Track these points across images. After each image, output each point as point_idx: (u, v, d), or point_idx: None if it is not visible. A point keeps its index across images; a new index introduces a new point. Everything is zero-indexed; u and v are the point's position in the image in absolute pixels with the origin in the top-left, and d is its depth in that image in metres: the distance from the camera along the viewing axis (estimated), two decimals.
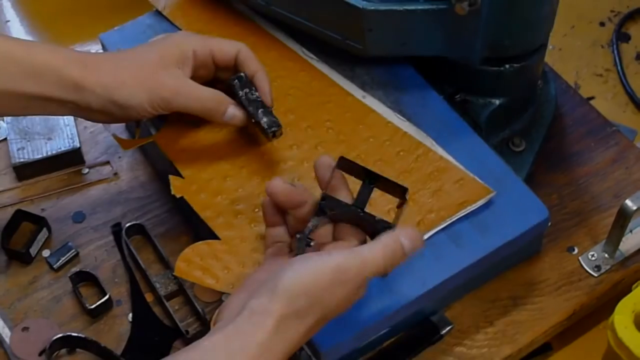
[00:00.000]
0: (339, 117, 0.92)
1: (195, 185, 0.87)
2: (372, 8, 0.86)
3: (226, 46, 0.87)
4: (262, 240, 0.82)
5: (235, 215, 0.85)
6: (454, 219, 0.85)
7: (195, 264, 0.81)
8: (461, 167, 0.88)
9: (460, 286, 0.86)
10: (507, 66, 0.92)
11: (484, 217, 0.85)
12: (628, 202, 0.87)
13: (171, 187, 0.86)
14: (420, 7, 0.86)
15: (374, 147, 0.90)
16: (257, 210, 0.85)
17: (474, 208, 0.86)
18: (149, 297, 0.91)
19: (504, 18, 0.86)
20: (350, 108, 0.93)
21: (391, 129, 0.92)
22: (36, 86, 0.80)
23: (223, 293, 0.89)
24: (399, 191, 0.75)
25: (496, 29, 0.87)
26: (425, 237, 0.83)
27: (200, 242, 0.83)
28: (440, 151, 0.89)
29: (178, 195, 0.86)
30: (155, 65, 0.83)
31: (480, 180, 0.87)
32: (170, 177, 0.87)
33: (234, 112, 0.85)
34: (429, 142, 0.90)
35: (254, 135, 0.90)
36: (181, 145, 0.90)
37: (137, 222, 0.95)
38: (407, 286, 0.81)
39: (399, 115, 0.92)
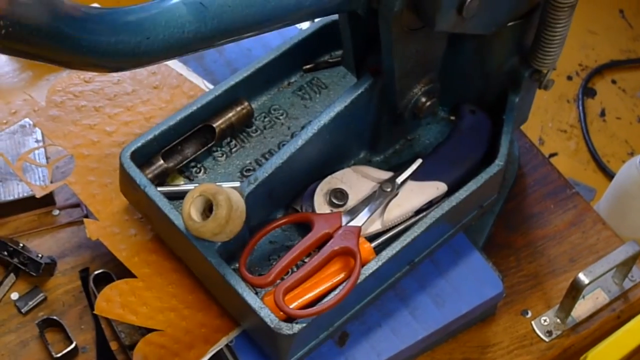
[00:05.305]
0: None
1: (111, 226, 0.91)
2: None
3: None
4: (178, 273, 0.87)
5: (150, 252, 0.89)
6: None
7: (115, 302, 0.86)
8: None
9: (415, 353, 0.89)
10: None
11: (440, 289, 0.88)
12: (581, 276, 0.90)
13: (86, 231, 0.90)
14: None
15: None
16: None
17: None
18: (113, 346, 0.93)
19: None
20: None
21: None
22: None
23: None
24: None
25: None
26: None
27: (119, 280, 0.88)
28: None
29: (94, 238, 0.90)
30: None
31: None
32: (85, 220, 0.91)
33: None
34: None
35: None
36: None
37: (105, 270, 0.96)
38: (363, 357, 0.84)
39: None
